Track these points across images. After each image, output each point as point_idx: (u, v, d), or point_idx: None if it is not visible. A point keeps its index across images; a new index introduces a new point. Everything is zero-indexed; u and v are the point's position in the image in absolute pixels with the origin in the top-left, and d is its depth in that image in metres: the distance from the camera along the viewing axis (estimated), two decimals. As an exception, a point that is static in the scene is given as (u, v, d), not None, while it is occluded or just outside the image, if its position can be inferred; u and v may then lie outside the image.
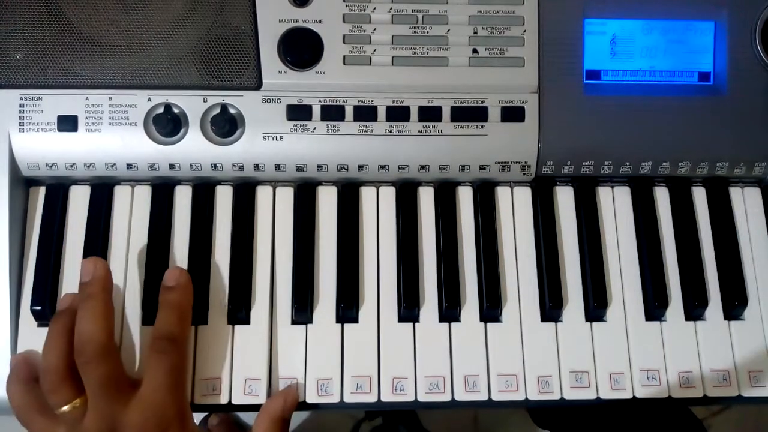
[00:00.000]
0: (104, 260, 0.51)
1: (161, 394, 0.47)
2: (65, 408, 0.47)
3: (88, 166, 0.54)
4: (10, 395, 0.50)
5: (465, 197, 0.57)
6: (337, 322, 0.54)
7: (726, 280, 0.56)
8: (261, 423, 0.50)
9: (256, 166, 0.55)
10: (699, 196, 0.59)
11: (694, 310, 0.55)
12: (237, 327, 0.53)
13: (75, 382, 0.47)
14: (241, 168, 0.55)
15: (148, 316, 0.53)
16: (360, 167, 0.56)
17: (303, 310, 0.53)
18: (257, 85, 0.54)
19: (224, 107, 0.54)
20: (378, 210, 0.57)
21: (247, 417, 0.53)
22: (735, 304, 0.55)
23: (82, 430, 0.47)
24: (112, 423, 0.46)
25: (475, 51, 0.55)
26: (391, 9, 0.55)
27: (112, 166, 0.54)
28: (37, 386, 0.49)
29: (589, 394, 0.53)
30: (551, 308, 0.54)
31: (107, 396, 0.47)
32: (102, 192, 0.55)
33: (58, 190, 0.55)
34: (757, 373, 0.54)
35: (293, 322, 0.53)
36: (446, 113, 0.55)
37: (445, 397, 0.52)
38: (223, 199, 0.56)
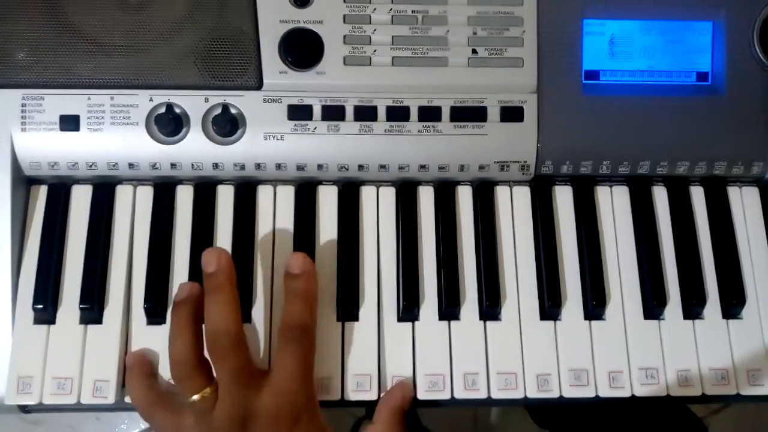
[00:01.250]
0: (227, 251, 0.51)
1: (294, 383, 0.47)
2: (195, 397, 0.47)
3: (90, 166, 0.54)
4: (132, 392, 0.50)
5: (464, 197, 0.58)
6: (338, 320, 0.54)
7: (724, 279, 0.56)
8: (382, 414, 0.51)
9: (257, 166, 0.55)
10: (697, 195, 0.59)
11: (693, 309, 0.56)
12: (238, 325, 0.53)
13: (205, 371, 0.47)
14: (242, 167, 0.55)
15: (152, 316, 0.53)
16: (360, 167, 0.56)
17: (303, 309, 0.53)
18: (258, 85, 0.55)
19: (225, 107, 0.54)
20: (378, 209, 0.57)
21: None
22: (733, 303, 0.56)
23: (213, 419, 0.46)
24: (245, 410, 0.46)
25: (474, 51, 0.55)
26: (391, 10, 0.55)
27: (114, 165, 0.55)
28: (156, 382, 0.50)
29: (588, 393, 0.53)
30: (550, 307, 0.54)
31: (240, 384, 0.47)
32: (104, 191, 0.56)
33: (60, 190, 0.55)
34: (755, 371, 0.55)
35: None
36: (446, 113, 0.55)
37: (445, 395, 0.53)
38: (225, 198, 0.56)
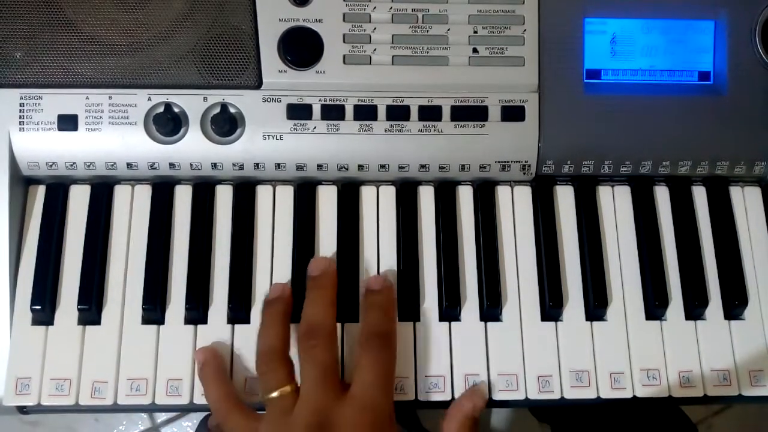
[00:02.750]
0: (332, 259, 0.53)
1: (377, 393, 0.46)
2: (275, 394, 0.46)
3: (88, 166, 0.54)
4: (208, 388, 0.49)
5: (465, 196, 0.57)
6: (337, 321, 0.53)
7: (726, 279, 0.56)
8: (453, 423, 0.50)
9: (256, 166, 0.55)
10: (699, 195, 0.59)
11: (695, 309, 0.55)
12: (237, 325, 0.53)
13: (289, 367, 0.48)
14: (241, 167, 0.55)
15: (149, 316, 0.53)
16: (360, 166, 0.56)
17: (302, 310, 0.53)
18: (257, 85, 0.54)
19: (224, 106, 0.54)
20: (378, 209, 0.57)
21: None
22: (735, 304, 0.55)
23: (290, 422, 0.45)
24: (324, 417, 0.45)
25: (475, 50, 0.55)
26: (391, 8, 0.55)
27: (112, 165, 0.54)
28: (230, 380, 0.50)
29: (589, 394, 0.53)
30: (551, 307, 0.54)
31: (324, 386, 0.46)
32: (102, 191, 0.55)
33: (58, 190, 0.55)
34: (757, 372, 0.54)
35: (294, 321, 0.53)
36: (446, 112, 0.55)
37: (445, 397, 0.52)
38: (223, 198, 0.56)
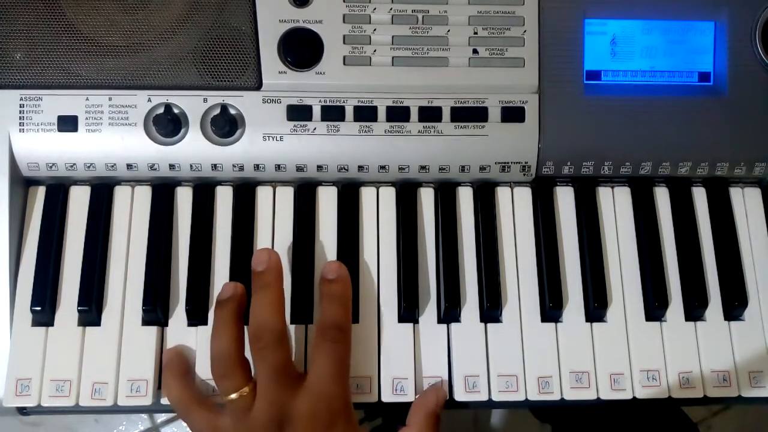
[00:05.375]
0: (277, 252, 0.52)
1: (331, 385, 0.47)
2: (234, 395, 0.47)
3: (88, 167, 0.54)
4: (168, 390, 0.50)
5: (465, 197, 0.57)
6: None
7: (726, 280, 0.56)
8: (416, 417, 0.50)
9: (257, 167, 0.55)
10: (699, 196, 0.59)
11: (694, 310, 0.55)
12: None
13: (245, 368, 0.48)
14: (242, 168, 0.55)
15: (149, 317, 0.53)
16: (360, 167, 0.56)
17: (303, 310, 0.53)
18: (257, 86, 0.54)
19: (224, 107, 0.54)
20: (378, 210, 0.57)
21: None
22: (735, 305, 0.55)
23: (250, 419, 0.46)
24: (283, 412, 0.46)
25: (475, 51, 0.55)
26: (391, 9, 0.55)
27: (112, 166, 0.54)
28: (192, 380, 0.51)
29: (589, 395, 0.53)
30: (551, 308, 0.54)
31: (279, 384, 0.47)
32: (102, 192, 0.55)
33: (58, 190, 0.55)
34: (757, 373, 0.54)
35: (293, 322, 0.53)
36: (446, 113, 0.55)
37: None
38: (224, 199, 0.56)
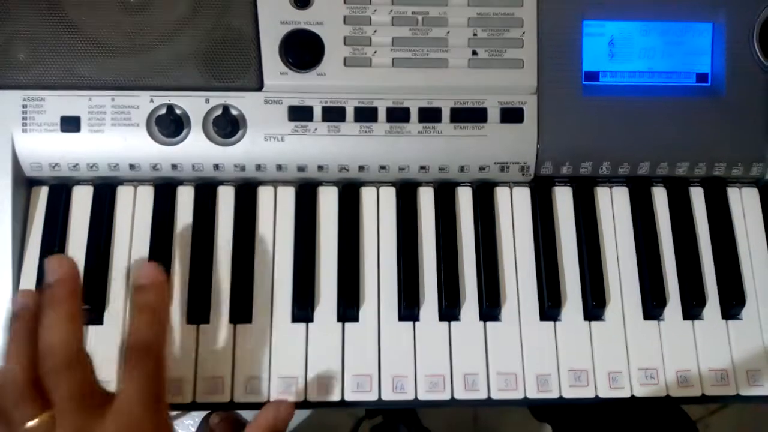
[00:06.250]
0: (71, 258, 0.46)
1: (137, 408, 0.42)
2: (31, 423, 0.41)
3: (91, 167, 0.55)
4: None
5: (464, 197, 0.58)
6: (338, 320, 0.54)
7: (724, 279, 0.57)
8: (255, 428, 0.48)
9: (258, 167, 0.55)
10: (697, 196, 0.59)
11: (692, 309, 0.56)
12: (239, 326, 0.53)
13: (42, 393, 0.41)
14: (243, 168, 0.55)
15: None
16: (360, 168, 0.56)
17: (304, 309, 0.53)
18: (259, 87, 0.55)
19: (226, 108, 0.54)
20: (378, 210, 0.57)
21: (249, 415, 0.53)
22: (733, 304, 0.56)
23: None
24: None
25: (474, 53, 0.56)
26: (391, 11, 0.55)
27: (115, 166, 0.55)
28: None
29: (587, 393, 0.53)
30: (550, 307, 0.54)
31: (77, 409, 0.41)
32: (104, 192, 0.56)
33: (60, 191, 0.56)
34: (754, 372, 0.55)
35: (294, 321, 0.54)
36: (446, 114, 0.55)
37: (445, 396, 0.53)
38: (225, 199, 0.56)
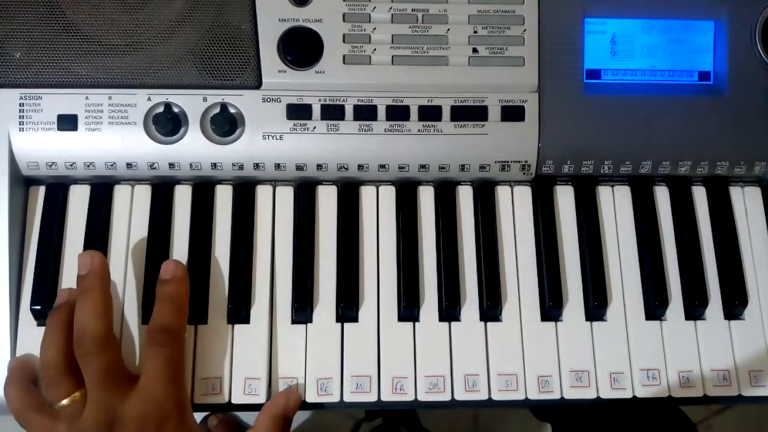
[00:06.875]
0: (101, 253, 0.51)
1: (160, 387, 0.47)
2: (64, 402, 0.47)
3: (88, 166, 0.54)
4: (8, 397, 0.50)
5: (465, 196, 0.57)
6: (337, 321, 0.54)
7: (726, 279, 0.56)
8: (262, 420, 0.50)
9: (256, 166, 0.55)
10: (699, 195, 0.59)
11: (695, 309, 0.55)
12: (237, 326, 0.53)
13: (74, 376, 0.48)
14: (241, 167, 0.55)
15: (147, 316, 0.52)
16: (360, 166, 0.56)
17: (303, 310, 0.53)
18: (257, 85, 0.54)
19: (224, 106, 0.54)
20: (378, 209, 0.57)
21: (247, 417, 0.53)
22: (735, 304, 0.55)
23: (81, 423, 0.46)
24: (112, 415, 0.46)
25: (475, 50, 0.55)
26: (391, 8, 0.55)
27: (112, 165, 0.54)
28: (34, 387, 0.50)
29: (589, 394, 0.53)
30: (551, 307, 0.54)
31: (106, 388, 0.47)
32: (102, 191, 0.55)
33: (57, 190, 0.55)
34: (757, 372, 0.54)
35: (293, 322, 0.53)
36: (446, 112, 0.55)
37: (445, 397, 0.52)
38: (223, 198, 0.56)
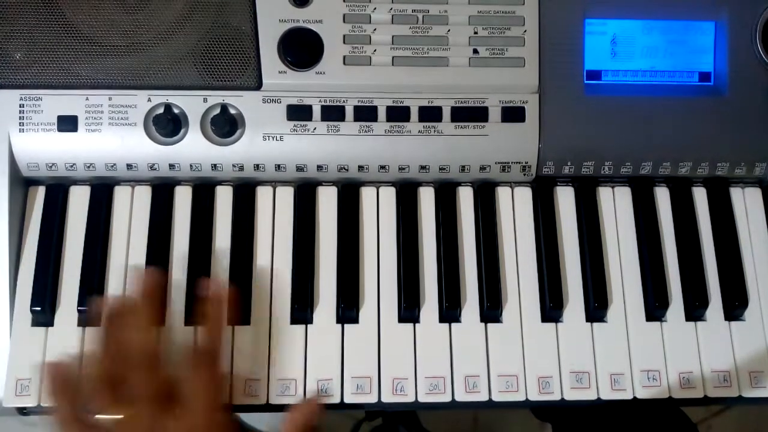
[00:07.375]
0: (158, 271, 0.51)
1: (204, 406, 0.47)
2: (108, 415, 0.47)
3: (88, 167, 0.54)
4: (53, 406, 0.48)
5: (465, 197, 0.57)
6: (338, 322, 0.54)
7: (726, 280, 0.56)
8: (292, 423, 0.49)
9: (256, 167, 0.55)
10: (699, 196, 0.59)
11: (695, 310, 0.55)
12: (237, 327, 0.53)
13: (119, 388, 0.47)
14: (241, 168, 0.55)
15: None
16: (360, 167, 0.56)
17: (303, 311, 0.53)
18: (257, 86, 0.54)
19: (224, 107, 0.54)
20: (378, 210, 0.57)
21: (247, 417, 0.53)
22: (735, 305, 0.55)
23: None
24: (156, 430, 0.46)
25: (475, 51, 0.55)
26: (391, 9, 0.55)
27: (112, 166, 0.54)
28: (73, 394, 0.48)
29: (589, 395, 0.53)
30: (552, 309, 0.54)
31: (151, 405, 0.46)
32: (102, 192, 0.55)
33: (57, 191, 0.55)
34: (757, 373, 0.54)
35: (293, 322, 0.53)
36: (446, 113, 0.55)
37: (446, 398, 0.52)
38: (223, 199, 0.56)
